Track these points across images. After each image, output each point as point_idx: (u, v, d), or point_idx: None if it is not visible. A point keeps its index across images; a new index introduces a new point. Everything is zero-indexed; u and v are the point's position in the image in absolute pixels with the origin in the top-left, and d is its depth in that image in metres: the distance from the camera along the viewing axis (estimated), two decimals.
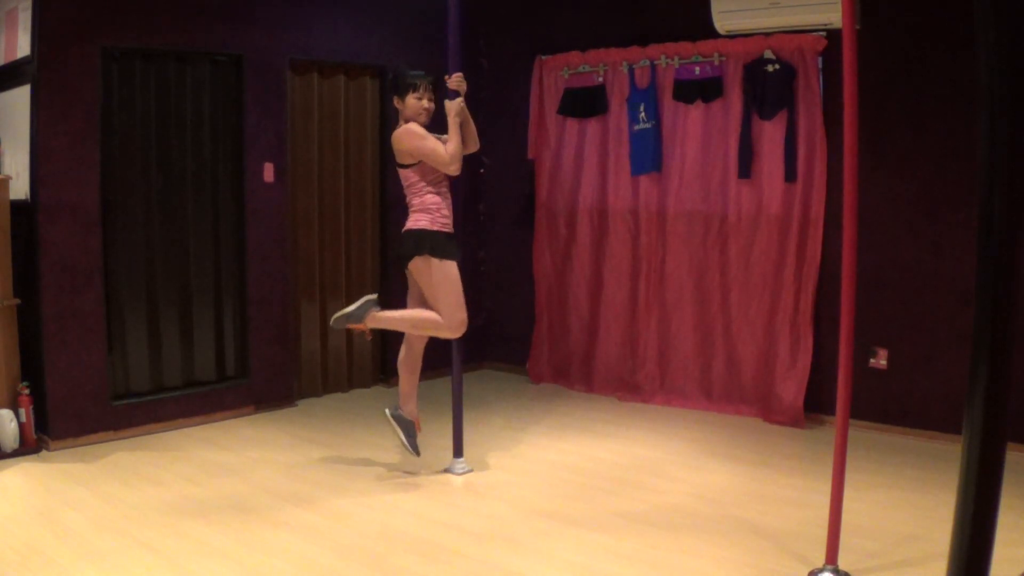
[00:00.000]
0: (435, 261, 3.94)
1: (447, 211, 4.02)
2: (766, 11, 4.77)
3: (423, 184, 3.98)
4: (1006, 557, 2.50)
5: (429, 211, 3.97)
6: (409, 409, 4.22)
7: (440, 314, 3.99)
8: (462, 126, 4.02)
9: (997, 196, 1.24)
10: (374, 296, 4.19)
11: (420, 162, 3.95)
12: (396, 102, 4.03)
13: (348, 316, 4.09)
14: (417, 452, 4.21)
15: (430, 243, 3.93)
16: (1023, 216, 1.25)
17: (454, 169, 3.91)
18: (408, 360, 4.24)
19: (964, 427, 1.32)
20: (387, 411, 4.23)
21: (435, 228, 3.95)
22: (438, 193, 4.00)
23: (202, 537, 3.44)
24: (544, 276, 6.11)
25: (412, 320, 4.08)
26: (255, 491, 3.98)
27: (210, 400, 5.11)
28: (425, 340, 4.22)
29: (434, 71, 4.09)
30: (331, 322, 4.17)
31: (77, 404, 4.57)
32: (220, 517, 3.65)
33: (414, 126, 3.95)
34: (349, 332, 5.78)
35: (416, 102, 3.97)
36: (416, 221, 3.97)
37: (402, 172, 4.02)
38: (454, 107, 4.00)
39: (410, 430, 4.21)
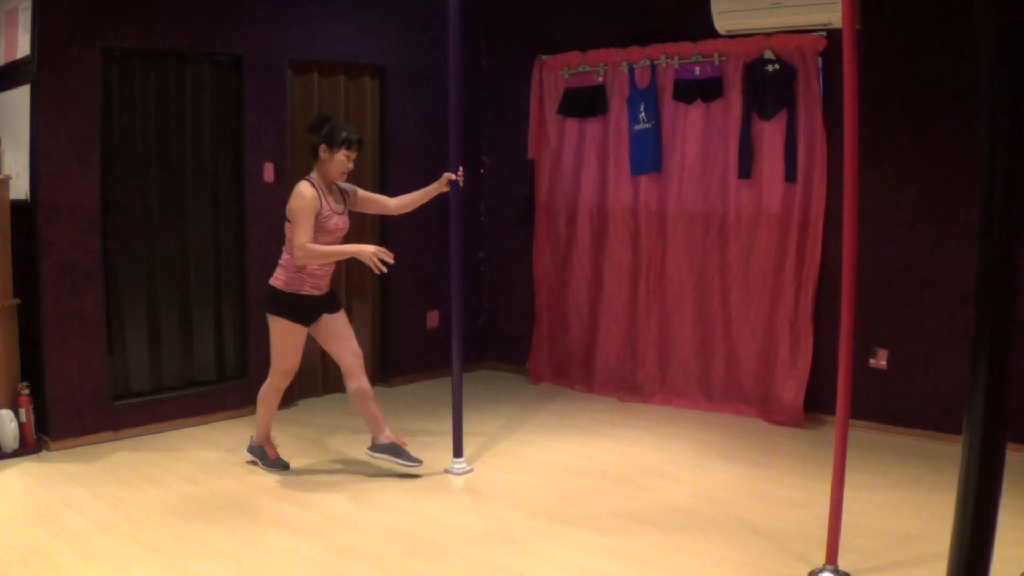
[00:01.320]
0: (276, 319, 4.06)
1: (309, 275, 4.01)
2: (766, 11, 4.77)
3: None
4: (1006, 557, 2.50)
5: (288, 271, 4.02)
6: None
7: (271, 363, 4.18)
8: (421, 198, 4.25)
9: (997, 196, 1.24)
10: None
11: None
12: (323, 150, 3.99)
13: (263, 461, 4.31)
14: (419, 460, 4.18)
15: (276, 303, 4.04)
16: (1023, 216, 1.25)
17: (297, 258, 3.92)
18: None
19: (964, 427, 1.32)
20: (367, 451, 4.23)
21: (287, 290, 4.02)
22: None
23: (202, 537, 3.44)
24: (544, 276, 6.11)
25: (260, 404, 4.27)
26: (255, 491, 3.99)
27: (210, 400, 5.12)
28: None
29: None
30: (269, 470, 4.31)
31: (77, 404, 4.57)
32: (220, 517, 3.66)
33: (312, 198, 3.91)
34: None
35: (344, 160, 4.00)
36: (275, 277, 4.07)
37: (287, 224, 4.02)
38: (367, 251, 3.87)
39: (398, 449, 4.16)
